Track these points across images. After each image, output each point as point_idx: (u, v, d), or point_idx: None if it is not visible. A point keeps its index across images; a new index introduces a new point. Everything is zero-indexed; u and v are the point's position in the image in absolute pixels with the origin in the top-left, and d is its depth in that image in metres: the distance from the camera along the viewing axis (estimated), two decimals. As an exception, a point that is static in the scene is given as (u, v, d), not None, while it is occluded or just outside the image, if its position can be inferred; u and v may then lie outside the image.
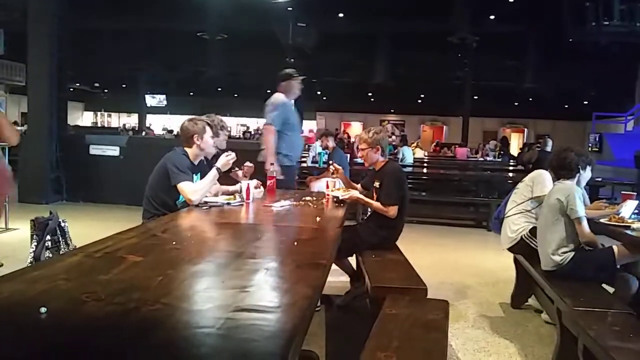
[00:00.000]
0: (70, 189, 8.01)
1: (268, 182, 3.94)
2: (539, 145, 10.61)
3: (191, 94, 29.03)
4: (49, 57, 7.80)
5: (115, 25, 17.90)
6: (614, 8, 12.78)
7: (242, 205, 3.20)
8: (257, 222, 2.92)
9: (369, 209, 3.81)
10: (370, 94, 26.76)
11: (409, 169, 9.95)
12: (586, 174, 3.35)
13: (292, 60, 18.02)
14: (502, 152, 15.26)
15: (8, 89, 18.75)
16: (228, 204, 3.17)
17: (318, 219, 2.94)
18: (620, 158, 11.15)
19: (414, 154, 12.04)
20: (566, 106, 25.34)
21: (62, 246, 3.61)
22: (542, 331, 3.48)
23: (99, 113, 32.78)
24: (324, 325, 3.35)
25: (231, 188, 3.61)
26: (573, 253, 3.09)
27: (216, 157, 3.37)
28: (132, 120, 29.87)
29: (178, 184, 3.06)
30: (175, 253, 1.98)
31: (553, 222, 3.15)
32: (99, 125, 31.13)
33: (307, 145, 9.64)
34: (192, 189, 3.06)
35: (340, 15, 17.96)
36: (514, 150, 19.80)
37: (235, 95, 29.56)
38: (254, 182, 3.49)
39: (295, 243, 2.28)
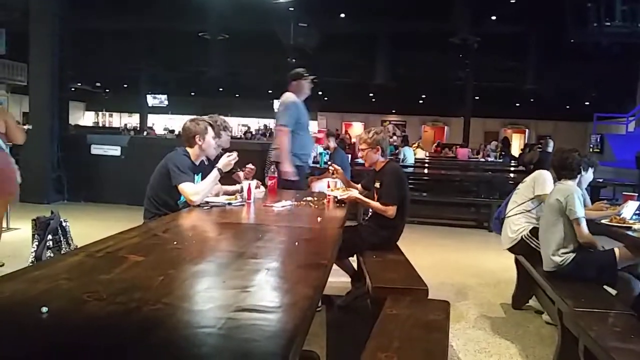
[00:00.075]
0: (71, 189, 8.02)
1: (269, 183, 3.94)
2: (540, 146, 10.62)
3: (192, 94, 29.07)
4: (50, 57, 7.81)
5: (116, 25, 17.92)
6: (615, 9, 12.77)
7: (243, 205, 3.20)
8: (259, 222, 2.92)
9: (370, 210, 3.81)
10: (371, 95, 26.76)
11: (410, 170, 9.96)
12: (588, 176, 3.34)
13: (294, 60, 18.04)
14: (503, 153, 15.27)
15: (9, 89, 18.79)
16: (229, 204, 3.16)
17: (319, 219, 2.94)
18: (622, 159, 11.13)
19: (415, 154, 12.05)
20: (567, 107, 25.35)
21: (63, 246, 3.61)
22: (543, 332, 3.48)
23: (100, 113, 32.81)
24: (325, 325, 3.35)
25: (231, 188, 3.61)
26: (574, 254, 3.09)
27: (219, 157, 3.36)
28: (133, 120, 29.88)
29: (179, 184, 3.05)
30: (177, 253, 1.98)
31: (553, 222, 3.15)
32: (101, 125, 31.17)
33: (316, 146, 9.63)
34: (193, 190, 3.06)
35: (342, 15, 17.97)
36: (515, 151, 19.84)
37: (237, 95, 29.60)
38: (255, 182, 3.49)
39: (297, 243, 2.28)
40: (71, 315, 1.30)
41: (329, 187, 3.75)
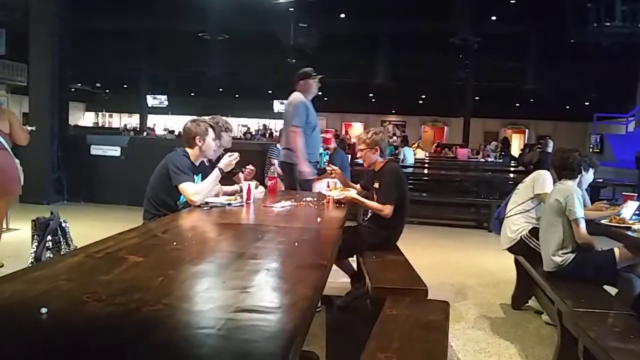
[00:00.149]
0: (71, 189, 8.02)
1: (269, 183, 3.94)
2: (539, 146, 10.62)
3: (192, 94, 29.09)
4: (50, 57, 7.81)
5: (116, 25, 17.93)
6: (615, 9, 12.77)
7: (243, 205, 3.20)
8: (258, 222, 2.92)
9: (370, 210, 3.81)
10: (371, 95, 26.77)
11: (410, 170, 9.96)
12: (588, 176, 3.34)
13: (294, 60, 18.03)
14: (503, 153, 15.27)
15: (9, 89, 18.77)
16: (229, 204, 3.16)
17: (319, 219, 2.94)
18: (621, 159, 11.14)
19: (415, 154, 12.05)
20: (567, 107, 25.36)
21: (63, 246, 3.61)
22: (542, 332, 3.48)
23: (100, 113, 32.83)
24: (325, 326, 3.35)
25: (230, 188, 3.61)
26: (574, 254, 3.09)
27: (220, 157, 3.36)
28: (133, 120, 29.90)
29: (179, 184, 3.05)
30: (176, 253, 1.98)
31: (553, 223, 3.15)
32: (100, 125, 31.18)
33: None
34: (194, 190, 3.05)
35: (342, 15, 17.97)
36: (515, 151, 19.84)
37: (236, 95, 29.60)
38: (254, 182, 3.49)
39: (296, 244, 2.28)
40: (71, 316, 1.30)
41: (328, 187, 3.76)
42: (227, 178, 3.62)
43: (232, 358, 1.14)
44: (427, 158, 14.38)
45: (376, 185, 3.59)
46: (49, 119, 7.79)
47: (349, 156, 7.81)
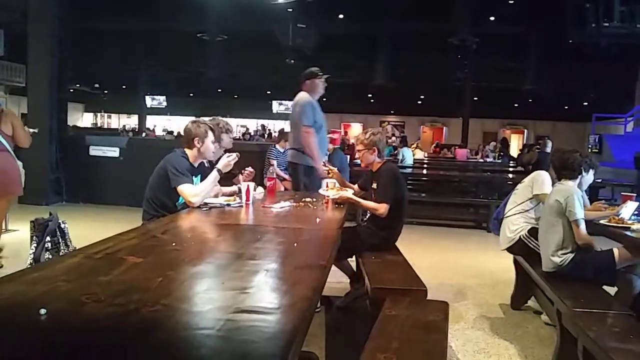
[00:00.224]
0: (70, 190, 8.02)
1: (268, 184, 3.94)
2: (538, 146, 10.62)
3: (191, 95, 29.06)
4: (49, 58, 7.81)
5: (115, 26, 17.91)
6: (614, 9, 12.77)
7: (242, 206, 3.19)
8: (257, 223, 2.92)
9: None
10: (370, 95, 26.76)
11: (409, 170, 9.97)
12: (588, 177, 3.35)
13: (292, 61, 18.03)
14: (501, 153, 15.26)
15: (8, 90, 18.75)
16: (228, 205, 3.16)
17: (318, 220, 2.94)
18: (620, 159, 11.15)
19: (413, 155, 12.05)
20: (566, 107, 25.36)
21: (61, 247, 3.61)
22: (542, 332, 3.48)
23: (99, 114, 32.78)
24: (324, 326, 3.35)
25: (229, 189, 3.60)
26: (573, 254, 3.10)
27: (220, 158, 3.36)
28: (132, 121, 29.87)
29: (178, 186, 3.05)
30: (175, 254, 1.98)
31: (553, 223, 3.16)
32: (99, 126, 31.14)
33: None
34: (193, 191, 3.05)
35: (340, 16, 17.97)
36: (514, 151, 19.83)
37: (235, 96, 29.58)
38: (253, 183, 3.49)
39: (295, 244, 2.28)
40: (70, 316, 1.30)
41: (326, 187, 3.76)
42: (227, 179, 3.62)
43: (232, 359, 1.14)
44: (426, 158, 14.38)
45: (374, 185, 3.59)
46: (47, 120, 7.79)
47: (348, 156, 7.81)
